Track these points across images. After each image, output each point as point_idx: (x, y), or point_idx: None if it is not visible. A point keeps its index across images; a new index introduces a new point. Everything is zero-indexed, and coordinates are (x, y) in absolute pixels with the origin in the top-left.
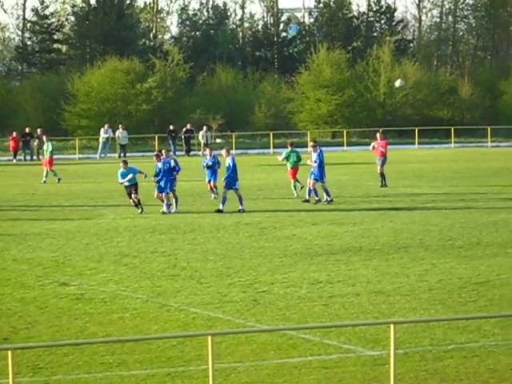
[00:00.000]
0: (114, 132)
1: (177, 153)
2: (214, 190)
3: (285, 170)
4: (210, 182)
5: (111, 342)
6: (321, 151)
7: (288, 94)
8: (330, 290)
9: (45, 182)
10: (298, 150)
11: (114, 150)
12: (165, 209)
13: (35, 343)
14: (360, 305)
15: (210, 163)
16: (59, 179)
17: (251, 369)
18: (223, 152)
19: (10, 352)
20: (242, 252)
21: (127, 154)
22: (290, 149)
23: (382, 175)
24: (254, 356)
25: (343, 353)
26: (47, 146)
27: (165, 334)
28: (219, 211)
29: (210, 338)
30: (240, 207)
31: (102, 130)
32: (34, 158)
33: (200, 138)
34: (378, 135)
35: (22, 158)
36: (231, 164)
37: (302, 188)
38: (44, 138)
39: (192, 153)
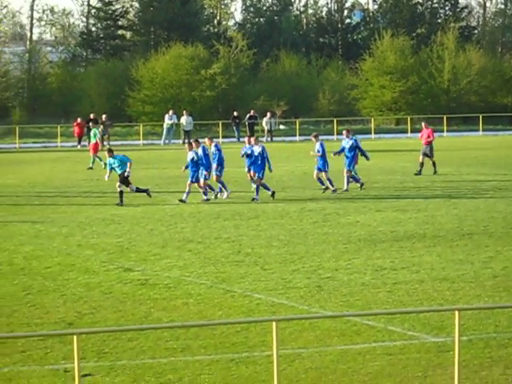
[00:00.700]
0: (178, 118)
1: (241, 139)
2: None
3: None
4: (249, 171)
5: (175, 327)
6: (321, 142)
7: (352, 81)
8: (393, 277)
9: (91, 168)
10: (361, 136)
11: (179, 136)
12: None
13: (100, 328)
14: (424, 291)
15: (249, 152)
16: (90, 168)
17: (315, 355)
18: (252, 141)
19: (75, 337)
20: (305, 238)
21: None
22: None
23: (432, 164)
24: (317, 342)
25: (407, 339)
26: (93, 133)
27: (229, 319)
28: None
29: (274, 323)
30: (255, 196)
31: (166, 116)
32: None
33: (264, 124)
34: (423, 124)
35: (87, 143)
36: (261, 152)
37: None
38: (91, 124)
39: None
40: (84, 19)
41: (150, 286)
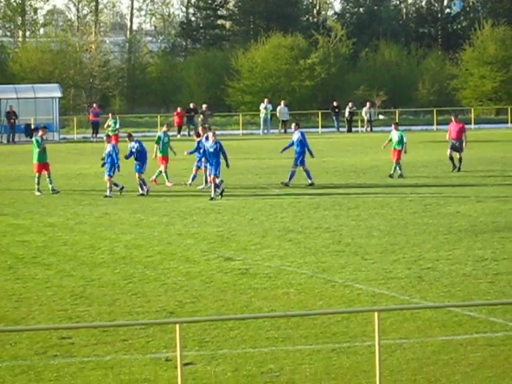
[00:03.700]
0: (274, 107)
1: (340, 129)
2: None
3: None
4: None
5: (276, 316)
6: (302, 133)
7: (452, 71)
8: (495, 268)
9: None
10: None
11: (277, 126)
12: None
13: (201, 317)
14: None
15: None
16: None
17: (416, 345)
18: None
19: (177, 326)
20: (406, 228)
21: (288, 130)
22: (395, 129)
23: (458, 159)
24: (419, 333)
25: (509, 331)
26: (112, 124)
27: (330, 309)
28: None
29: (376, 314)
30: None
31: (261, 105)
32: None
33: (363, 114)
34: (452, 117)
35: (186, 133)
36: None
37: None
38: (110, 115)
39: (354, 129)
40: (184, 9)
41: (250, 276)
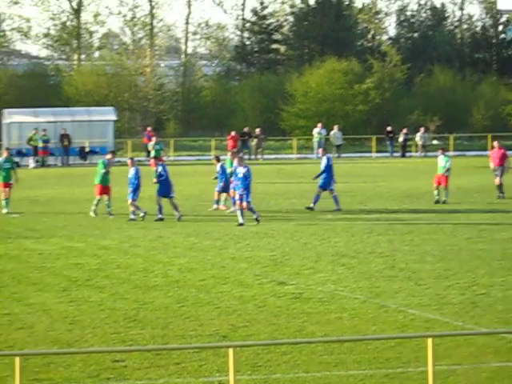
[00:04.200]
0: (327, 131)
1: (394, 154)
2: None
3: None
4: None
5: (330, 341)
6: (328, 158)
7: (507, 96)
8: None
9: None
10: None
11: (331, 151)
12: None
13: (254, 341)
14: None
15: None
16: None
17: (470, 371)
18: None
19: (231, 350)
20: (459, 254)
21: (342, 155)
22: (441, 155)
23: (500, 186)
24: (472, 359)
25: None
26: (159, 146)
27: (383, 334)
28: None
29: (430, 340)
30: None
31: (315, 130)
32: (252, 157)
33: (417, 139)
34: (495, 144)
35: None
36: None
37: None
38: (154, 138)
39: (408, 154)
40: (238, 33)
41: (303, 300)
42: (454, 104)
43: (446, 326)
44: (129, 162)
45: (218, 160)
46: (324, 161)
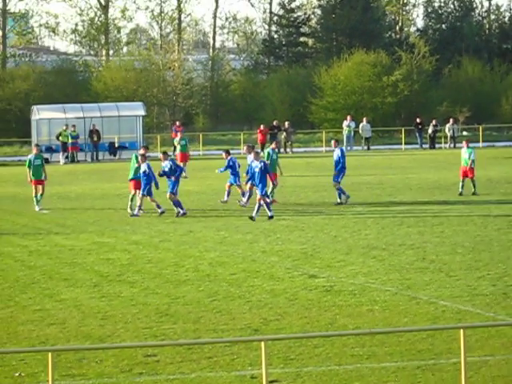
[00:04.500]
0: (356, 124)
1: (423, 145)
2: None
3: None
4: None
5: (361, 334)
6: (342, 150)
7: None
8: None
9: (185, 177)
10: None
11: (360, 143)
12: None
13: (286, 335)
14: None
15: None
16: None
17: (502, 362)
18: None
19: (263, 343)
20: (490, 245)
21: (372, 147)
22: (465, 147)
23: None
24: (504, 350)
25: None
26: (184, 141)
27: (415, 326)
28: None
29: (461, 331)
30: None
31: (344, 123)
32: (282, 150)
33: (446, 130)
34: None
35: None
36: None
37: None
38: (179, 133)
39: (437, 146)
40: (266, 26)
41: (335, 293)
42: (482, 95)
43: (477, 317)
44: (161, 156)
45: (229, 153)
46: (338, 152)
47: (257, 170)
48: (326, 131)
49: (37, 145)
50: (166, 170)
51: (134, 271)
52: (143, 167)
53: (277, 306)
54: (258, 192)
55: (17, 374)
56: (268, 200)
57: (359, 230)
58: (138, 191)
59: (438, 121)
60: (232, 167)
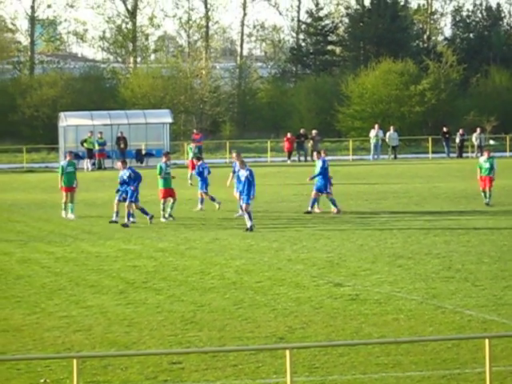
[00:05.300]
0: (384, 133)
1: (450, 155)
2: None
3: None
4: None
5: (386, 343)
6: (324, 161)
7: None
8: None
9: (191, 184)
10: None
11: (387, 152)
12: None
13: (311, 343)
14: None
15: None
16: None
17: None
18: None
19: (287, 351)
20: None
21: (398, 156)
22: (486, 156)
23: None
24: None
25: None
26: (197, 149)
27: (440, 335)
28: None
29: (487, 340)
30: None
31: (372, 131)
32: (308, 158)
33: (473, 139)
34: None
35: (296, 158)
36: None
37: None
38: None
39: (464, 155)
40: (294, 35)
41: (360, 301)
42: (510, 104)
43: (503, 327)
44: (120, 165)
45: (199, 159)
46: (319, 164)
47: (242, 178)
48: (353, 140)
49: (70, 152)
50: (125, 177)
51: (160, 278)
52: (126, 173)
53: (302, 314)
54: (242, 201)
55: (42, 381)
56: (247, 208)
57: (385, 239)
58: (168, 199)
59: (465, 130)
60: (201, 174)
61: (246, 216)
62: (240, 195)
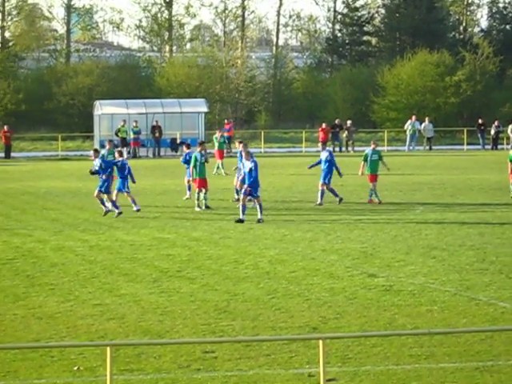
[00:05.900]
0: (420, 124)
1: (485, 146)
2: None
3: None
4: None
5: (420, 334)
6: (330, 152)
7: None
8: None
9: (215, 173)
10: None
11: (422, 143)
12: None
13: (344, 333)
14: None
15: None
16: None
17: None
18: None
19: (321, 341)
20: None
21: (434, 147)
22: None
23: None
24: None
25: None
26: (222, 139)
27: (474, 327)
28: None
29: None
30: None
31: (408, 122)
32: (343, 149)
33: (509, 131)
34: None
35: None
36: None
37: None
38: (218, 131)
39: (499, 147)
40: (330, 25)
41: (394, 293)
42: None
43: None
44: (92, 154)
45: (189, 147)
46: (325, 154)
47: (247, 169)
48: (388, 131)
49: (110, 140)
50: (97, 168)
51: (194, 267)
52: (97, 163)
53: (336, 304)
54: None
55: (75, 368)
56: (259, 201)
57: (419, 230)
58: (202, 189)
59: (501, 122)
60: (188, 162)
61: (258, 206)
62: (242, 184)
